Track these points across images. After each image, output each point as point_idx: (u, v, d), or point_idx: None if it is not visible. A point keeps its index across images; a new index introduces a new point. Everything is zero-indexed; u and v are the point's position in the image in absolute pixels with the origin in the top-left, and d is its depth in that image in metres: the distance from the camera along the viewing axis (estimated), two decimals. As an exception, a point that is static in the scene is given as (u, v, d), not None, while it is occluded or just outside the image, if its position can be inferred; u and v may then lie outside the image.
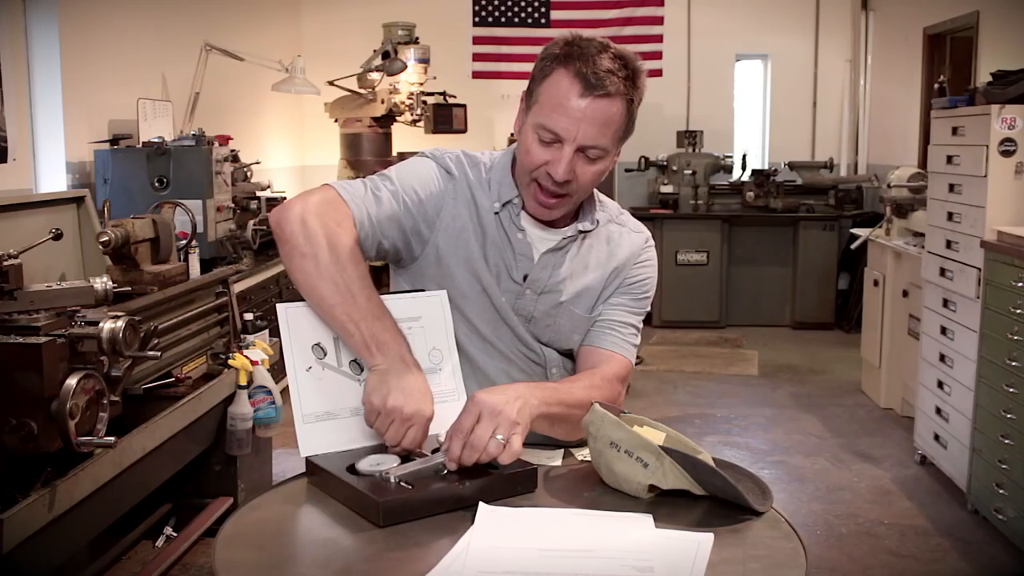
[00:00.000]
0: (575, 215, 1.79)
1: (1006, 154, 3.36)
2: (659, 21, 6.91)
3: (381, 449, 1.49)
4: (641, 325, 1.82)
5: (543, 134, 1.62)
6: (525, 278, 1.73)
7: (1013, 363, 3.11)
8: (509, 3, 6.86)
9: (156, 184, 3.90)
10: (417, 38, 6.05)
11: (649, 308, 1.85)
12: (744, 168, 7.04)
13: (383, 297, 1.65)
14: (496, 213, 1.72)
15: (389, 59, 5.76)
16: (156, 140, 3.96)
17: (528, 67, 1.71)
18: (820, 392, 5.22)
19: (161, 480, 2.79)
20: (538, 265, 1.73)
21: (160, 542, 3.04)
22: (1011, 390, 3.12)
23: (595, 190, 1.80)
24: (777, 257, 6.90)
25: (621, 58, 1.62)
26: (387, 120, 6.05)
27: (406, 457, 1.44)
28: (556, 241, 1.74)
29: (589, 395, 1.61)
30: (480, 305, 1.71)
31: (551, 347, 1.77)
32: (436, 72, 6.15)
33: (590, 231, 1.77)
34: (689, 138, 7.05)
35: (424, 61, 6.04)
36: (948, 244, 3.72)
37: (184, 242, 3.46)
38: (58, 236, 2.73)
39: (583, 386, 1.66)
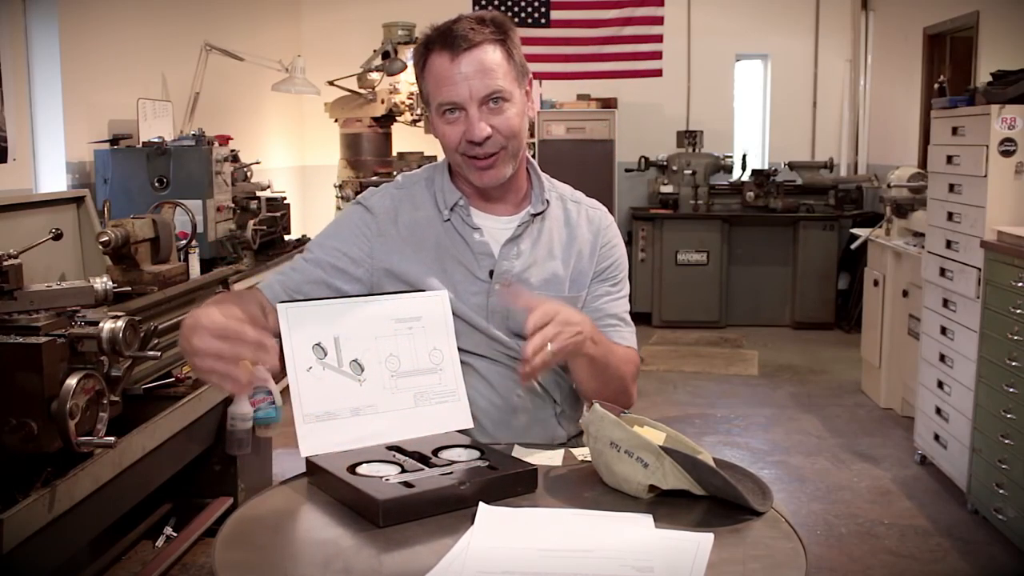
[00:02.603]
0: (527, 198, 1.81)
1: (1006, 154, 3.36)
2: (659, 21, 6.91)
3: (380, 453, 1.49)
4: (628, 305, 1.88)
5: (446, 111, 1.67)
6: (491, 275, 1.73)
7: (1013, 363, 3.11)
8: (509, 3, 6.86)
9: (156, 184, 3.90)
10: (417, 38, 6.04)
11: (628, 284, 1.90)
12: (744, 168, 7.03)
13: (384, 297, 1.65)
14: (447, 220, 1.74)
15: (389, 59, 5.76)
16: (156, 140, 3.96)
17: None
18: (820, 392, 5.22)
19: (161, 480, 2.79)
20: (500, 257, 1.74)
21: (160, 542, 3.04)
22: (1011, 390, 3.12)
23: (543, 174, 1.84)
24: (777, 257, 6.90)
25: (477, 17, 1.69)
26: (387, 120, 6.05)
27: (405, 466, 1.44)
28: (512, 230, 1.76)
29: (626, 354, 1.77)
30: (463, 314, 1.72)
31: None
32: (436, 72, 6.14)
33: (543, 211, 1.79)
34: (689, 138, 7.05)
35: (424, 61, 6.04)
36: (948, 244, 3.72)
37: (184, 242, 3.46)
38: (58, 236, 2.73)
39: (621, 348, 1.78)
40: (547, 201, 1.80)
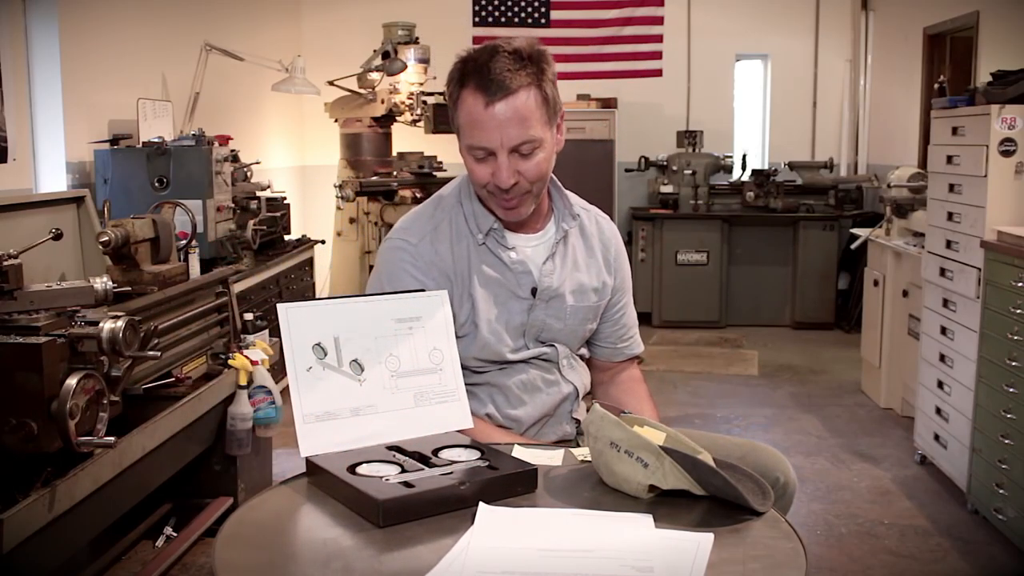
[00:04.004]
0: (550, 212, 1.85)
1: (1006, 154, 3.36)
2: (659, 21, 6.91)
3: (380, 453, 1.49)
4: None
5: (476, 153, 1.68)
6: (534, 292, 1.77)
7: (1013, 363, 3.11)
8: (509, 3, 6.86)
9: (156, 184, 3.90)
10: (417, 38, 6.05)
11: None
12: (744, 168, 7.03)
13: (384, 297, 1.66)
14: (482, 244, 1.78)
15: (389, 59, 5.76)
16: (156, 140, 3.96)
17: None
18: (820, 392, 5.22)
19: (161, 480, 2.79)
20: (542, 275, 1.79)
21: (160, 542, 3.04)
22: (1011, 390, 3.12)
23: (560, 185, 1.87)
24: (777, 257, 6.90)
25: (514, 52, 1.65)
26: (387, 120, 6.05)
27: (405, 466, 1.45)
28: (549, 247, 1.82)
29: (646, 389, 1.99)
30: (490, 350, 1.78)
31: (564, 343, 1.85)
32: (436, 72, 6.15)
33: (573, 227, 1.85)
34: (689, 138, 7.05)
35: (424, 61, 6.04)
36: (948, 244, 3.72)
37: (184, 242, 3.46)
38: (58, 236, 2.72)
39: (646, 393, 1.98)
40: (577, 216, 1.86)
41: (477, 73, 1.64)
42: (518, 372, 1.80)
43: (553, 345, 1.83)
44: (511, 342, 1.78)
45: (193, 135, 4.13)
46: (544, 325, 1.80)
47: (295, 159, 7.13)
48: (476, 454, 1.49)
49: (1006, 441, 3.14)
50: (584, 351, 1.94)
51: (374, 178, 5.81)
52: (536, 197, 1.75)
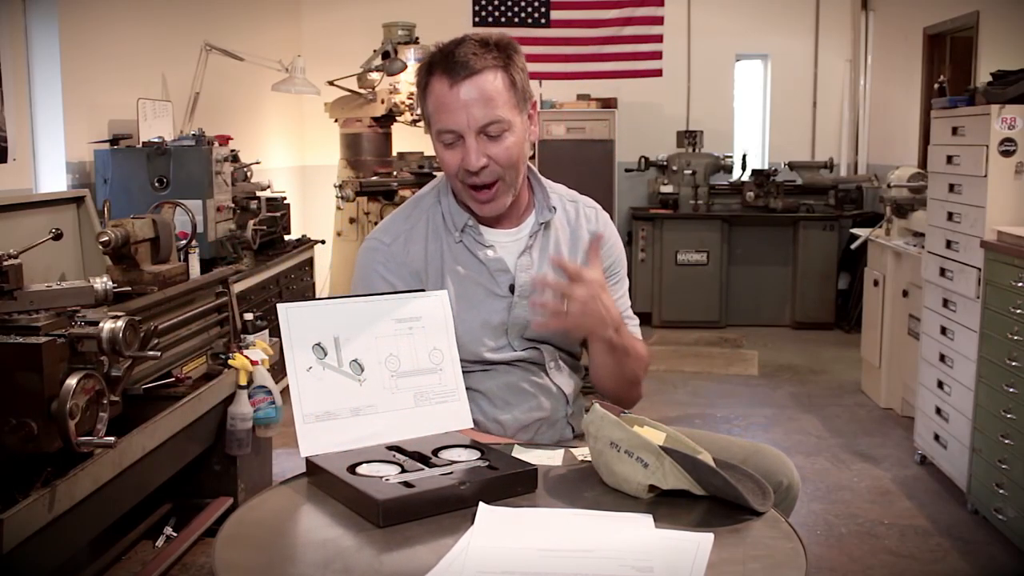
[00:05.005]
0: (531, 205, 1.82)
1: (1006, 154, 3.36)
2: (659, 21, 6.91)
3: (380, 453, 1.49)
4: (629, 299, 1.94)
5: (445, 138, 1.67)
6: (511, 289, 1.74)
7: (1013, 363, 3.11)
8: (509, 3, 6.86)
9: (156, 184, 3.90)
10: (417, 38, 6.05)
11: (627, 279, 1.95)
12: (744, 168, 7.03)
13: (384, 297, 1.66)
14: (459, 241, 1.75)
15: (389, 59, 5.76)
16: (156, 140, 3.96)
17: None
18: (820, 392, 5.22)
19: (161, 480, 2.79)
20: (518, 271, 1.76)
21: (160, 542, 3.04)
22: (1011, 390, 3.12)
23: (540, 176, 1.84)
24: (777, 257, 6.90)
25: (481, 40, 1.66)
26: (387, 120, 6.05)
27: (405, 466, 1.44)
28: (523, 241, 1.78)
29: (643, 349, 1.82)
30: (467, 350, 1.75)
31: (548, 343, 1.81)
32: (436, 72, 6.14)
33: (550, 219, 1.81)
34: (689, 138, 7.05)
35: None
36: (948, 244, 3.72)
37: (184, 242, 3.46)
38: (58, 236, 2.73)
39: (640, 344, 1.82)
40: (554, 208, 1.82)
41: (443, 59, 1.65)
42: (501, 374, 1.76)
43: (538, 348, 1.80)
44: (490, 342, 1.75)
45: (193, 135, 4.13)
46: (526, 323, 1.76)
47: (295, 159, 7.13)
48: (476, 454, 1.49)
49: (1006, 441, 3.14)
50: (578, 349, 1.89)
51: (374, 178, 5.81)
52: (511, 187, 1.72)
